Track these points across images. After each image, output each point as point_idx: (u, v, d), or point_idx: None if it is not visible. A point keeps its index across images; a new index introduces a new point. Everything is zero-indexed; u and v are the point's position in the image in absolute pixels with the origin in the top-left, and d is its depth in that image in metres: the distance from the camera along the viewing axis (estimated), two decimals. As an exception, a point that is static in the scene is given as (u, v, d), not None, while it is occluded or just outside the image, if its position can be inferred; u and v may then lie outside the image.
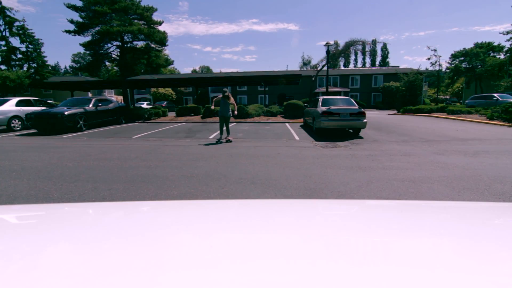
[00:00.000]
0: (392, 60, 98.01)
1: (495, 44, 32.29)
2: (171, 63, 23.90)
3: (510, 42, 21.62)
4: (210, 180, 3.96)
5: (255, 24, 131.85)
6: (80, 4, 16.50)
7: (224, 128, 7.99)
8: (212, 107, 8.32)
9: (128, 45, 18.16)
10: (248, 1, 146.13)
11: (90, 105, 11.69)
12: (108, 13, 16.36)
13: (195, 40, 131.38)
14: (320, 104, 9.12)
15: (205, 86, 32.86)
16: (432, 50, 25.87)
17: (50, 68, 29.19)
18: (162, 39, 18.13)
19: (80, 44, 17.63)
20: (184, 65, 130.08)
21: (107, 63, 21.01)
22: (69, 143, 7.85)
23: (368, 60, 67.43)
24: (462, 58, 31.96)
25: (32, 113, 10.38)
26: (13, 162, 5.27)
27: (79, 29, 16.98)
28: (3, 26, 23.29)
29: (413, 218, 0.61)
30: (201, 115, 16.82)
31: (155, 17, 19.12)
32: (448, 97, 46.43)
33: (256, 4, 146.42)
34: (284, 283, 0.32)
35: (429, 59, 25.93)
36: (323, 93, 28.38)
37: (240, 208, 0.71)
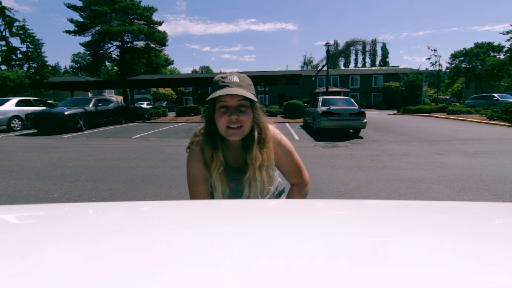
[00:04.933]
0: (392, 60, 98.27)
1: (495, 44, 32.29)
2: (171, 63, 23.89)
3: (510, 42, 21.61)
4: (210, 180, 3.95)
5: (253, 24, 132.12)
6: (80, 4, 16.50)
7: None
8: None
9: (128, 45, 18.15)
10: (246, 1, 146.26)
11: (90, 105, 11.69)
12: (108, 13, 16.35)
13: (193, 40, 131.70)
14: (320, 104, 9.12)
15: (205, 86, 32.82)
16: (432, 50, 25.84)
17: (50, 68, 29.14)
18: (162, 39, 18.13)
19: (80, 44, 17.63)
20: (183, 65, 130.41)
21: (107, 63, 20.98)
22: (69, 143, 7.85)
23: (368, 60, 67.38)
24: (462, 58, 31.93)
25: (32, 113, 10.38)
26: (13, 162, 5.27)
27: (79, 29, 16.98)
28: (3, 26, 23.28)
29: (413, 218, 0.61)
30: (201, 115, 16.82)
31: (155, 17, 19.11)
32: (448, 97, 46.39)
33: (254, 4, 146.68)
34: (285, 284, 0.32)
35: (429, 59, 25.94)
36: (323, 93, 28.35)
37: (240, 208, 0.71)
